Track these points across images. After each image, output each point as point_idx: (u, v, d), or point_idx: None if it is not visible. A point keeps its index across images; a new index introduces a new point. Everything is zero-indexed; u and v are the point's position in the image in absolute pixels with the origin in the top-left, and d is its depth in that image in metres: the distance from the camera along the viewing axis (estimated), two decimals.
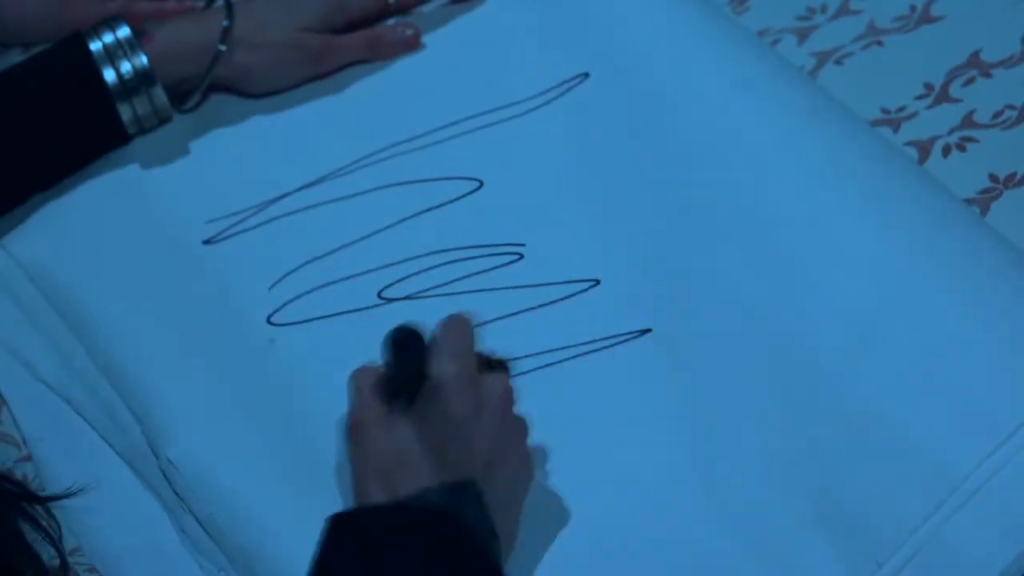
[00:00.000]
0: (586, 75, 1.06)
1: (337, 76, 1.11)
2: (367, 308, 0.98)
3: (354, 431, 0.85)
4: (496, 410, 0.84)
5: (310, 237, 1.02)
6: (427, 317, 0.86)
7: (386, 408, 0.84)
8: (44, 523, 0.83)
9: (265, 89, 1.10)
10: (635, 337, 0.93)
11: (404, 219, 1.02)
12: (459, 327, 0.86)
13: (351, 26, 1.11)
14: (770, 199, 0.96)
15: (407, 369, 0.84)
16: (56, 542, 0.83)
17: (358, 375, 0.86)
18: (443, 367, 0.83)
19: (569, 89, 1.06)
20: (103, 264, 1.04)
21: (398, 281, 0.99)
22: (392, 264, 1.00)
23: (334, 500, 0.89)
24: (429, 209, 1.02)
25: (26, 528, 0.83)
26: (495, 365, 0.87)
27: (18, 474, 0.95)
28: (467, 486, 0.81)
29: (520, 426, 0.86)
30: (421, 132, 1.06)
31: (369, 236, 1.01)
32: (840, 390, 0.88)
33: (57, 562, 0.85)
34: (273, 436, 0.93)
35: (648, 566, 0.85)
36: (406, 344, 0.84)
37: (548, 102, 1.06)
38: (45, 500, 0.86)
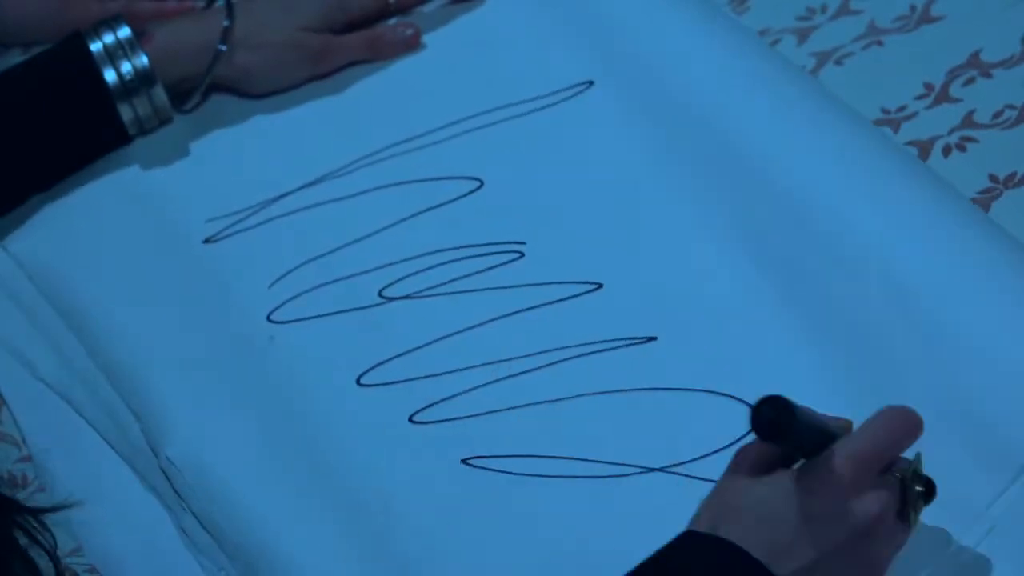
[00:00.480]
0: (590, 80, 1.06)
1: (337, 76, 1.11)
2: (367, 307, 0.98)
3: (736, 458, 0.78)
4: (853, 528, 0.75)
5: (310, 236, 1.02)
6: (426, 316, 0.85)
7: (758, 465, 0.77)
8: (39, 536, 0.82)
9: (265, 89, 1.10)
10: (640, 343, 0.93)
11: (404, 219, 1.02)
12: (895, 420, 0.77)
13: (351, 26, 1.11)
14: (780, 199, 0.96)
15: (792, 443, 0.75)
16: (50, 551, 0.83)
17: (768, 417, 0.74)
18: (837, 452, 0.75)
19: (572, 90, 1.06)
20: (103, 263, 1.04)
21: (398, 280, 0.99)
22: (392, 263, 1.00)
23: (333, 497, 0.88)
24: (429, 209, 1.02)
25: (20, 536, 0.82)
26: (911, 481, 0.77)
27: (18, 474, 0.96)
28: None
29: (876, 567, 0.77)
30: (421, 132, 1.06)
31: (369, 235, 1.01)
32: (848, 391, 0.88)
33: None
34: (273, 434, 0.93)
35: None
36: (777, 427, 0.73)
37: (550, 105, 1.05)
38: (40, 512, 0.84)
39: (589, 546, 0.84)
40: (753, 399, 0.72)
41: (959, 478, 0.81)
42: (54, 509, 0.84)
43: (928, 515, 0.79)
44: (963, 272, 0.90)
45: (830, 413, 0.79)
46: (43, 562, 0.82)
